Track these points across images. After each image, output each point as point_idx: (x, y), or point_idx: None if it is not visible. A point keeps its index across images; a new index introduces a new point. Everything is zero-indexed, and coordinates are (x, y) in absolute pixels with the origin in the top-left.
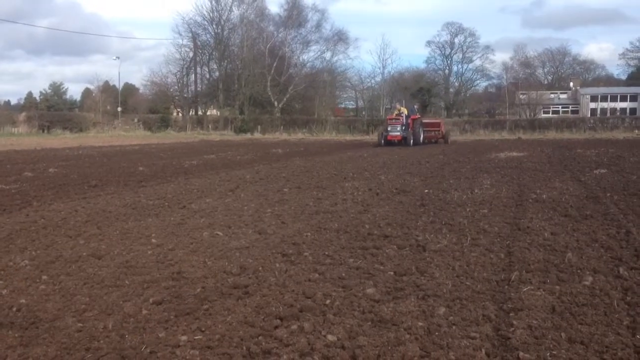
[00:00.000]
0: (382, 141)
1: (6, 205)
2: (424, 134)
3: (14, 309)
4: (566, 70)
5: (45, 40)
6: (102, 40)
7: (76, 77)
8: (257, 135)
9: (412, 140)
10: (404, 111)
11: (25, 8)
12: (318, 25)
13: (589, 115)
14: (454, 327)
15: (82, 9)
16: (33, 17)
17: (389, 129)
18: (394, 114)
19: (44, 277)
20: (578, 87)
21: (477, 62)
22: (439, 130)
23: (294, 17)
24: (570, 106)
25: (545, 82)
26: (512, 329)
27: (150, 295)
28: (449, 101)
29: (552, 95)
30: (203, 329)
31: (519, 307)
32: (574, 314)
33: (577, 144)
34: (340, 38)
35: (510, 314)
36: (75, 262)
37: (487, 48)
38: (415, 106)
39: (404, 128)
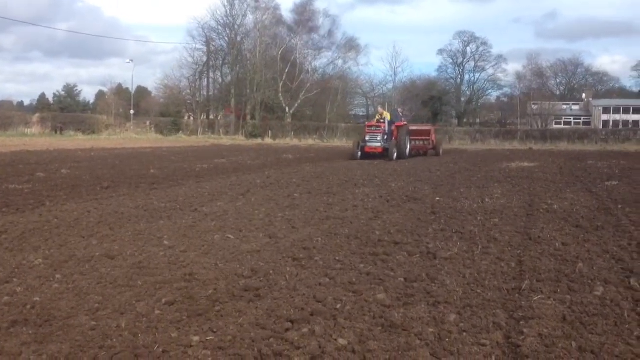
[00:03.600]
0: (359, 153)
1: (19, 205)
2: (410, 143)
3: (28, 306)
4: (579, 82)
5: (63, 43)
6: (120, 44)
7: (92, 79)
8: (268, 140)
9: (395, 153)
10: (387, 116)
11: (46, 11)
12: (330, 32)
13: (601, 127)
14: (464, 334)
15: (102, 13)
16: (53, 20)
17: (367, 138)
18: (375, 120)
19: (58, 276)
20: (590, 99)
21: (490, 72)
22: (428, 140)
23: (305, 21)
24: (582, 118)
25: (558, 93)
26: (523, 337)
27: (162, 295)
28: (460, 110)
29: (564, 107)
30: (215, 330)
31: (529, 316)
32: (585, 323)
33: (588, 155)
34: (351, 46)
35: (521, 322)
36: (88, 262)
37: (500, 57)
38: (400, 110)
39: (385, 138)
